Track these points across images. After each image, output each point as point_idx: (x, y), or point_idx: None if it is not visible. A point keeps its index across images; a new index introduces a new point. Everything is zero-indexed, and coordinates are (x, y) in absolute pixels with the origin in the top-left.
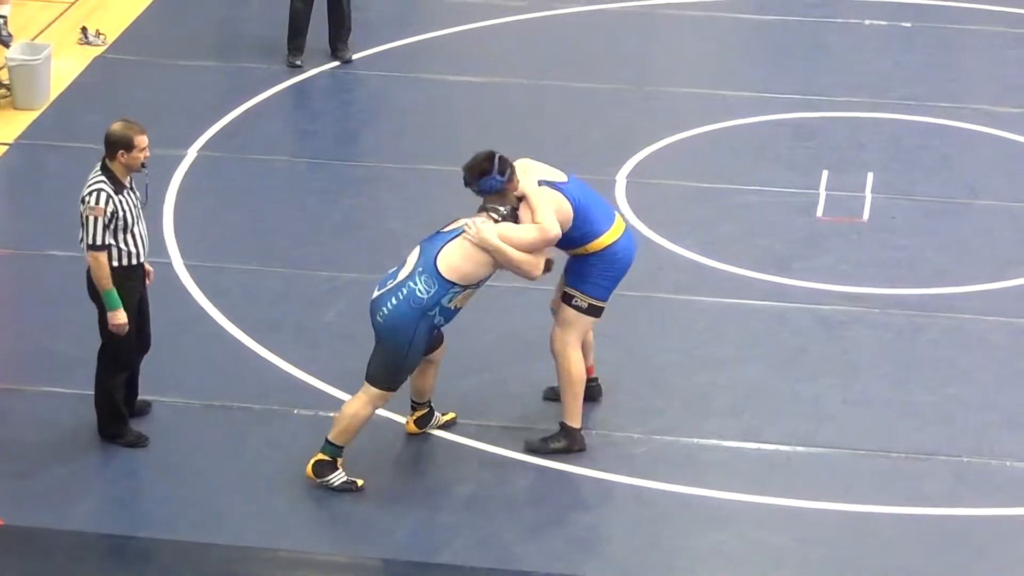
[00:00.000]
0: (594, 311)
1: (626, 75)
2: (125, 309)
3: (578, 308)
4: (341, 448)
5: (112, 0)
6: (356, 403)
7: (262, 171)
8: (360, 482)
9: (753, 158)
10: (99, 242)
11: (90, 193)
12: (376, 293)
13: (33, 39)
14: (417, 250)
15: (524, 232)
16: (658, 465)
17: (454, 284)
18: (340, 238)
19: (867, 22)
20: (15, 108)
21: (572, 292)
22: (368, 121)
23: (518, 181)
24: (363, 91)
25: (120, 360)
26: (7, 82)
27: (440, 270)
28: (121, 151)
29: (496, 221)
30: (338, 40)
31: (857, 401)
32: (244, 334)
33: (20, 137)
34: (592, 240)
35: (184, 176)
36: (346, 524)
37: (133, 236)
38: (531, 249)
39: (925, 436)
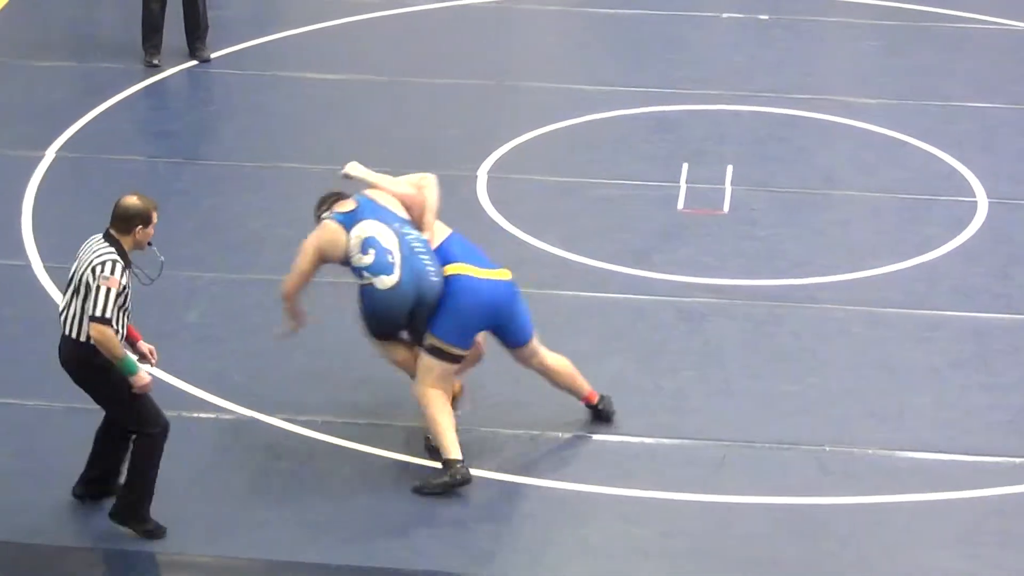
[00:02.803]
0: (437, 353)
1: (484, 71)
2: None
3: (423, 348)
4: None
5: None
6: None
7: (121, 172)
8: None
9: (613, 152)
10: (108, 315)
11: (104, 263)
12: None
13: None
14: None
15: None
16: (522, 460)
17: None
18: (201, 238)
19: (724, 15)
20: None
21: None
22: (227, 120)
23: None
24: (222, 90)
25: (154, 422)
26: None
27: None
28: (139, 226)
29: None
30: (195, 39)
31: (720, 392)
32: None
33: None
34: (446, 264)
35: (42, 178)
36: (219, 525)
37: (127, 318)
38: None
39: (788, 426)
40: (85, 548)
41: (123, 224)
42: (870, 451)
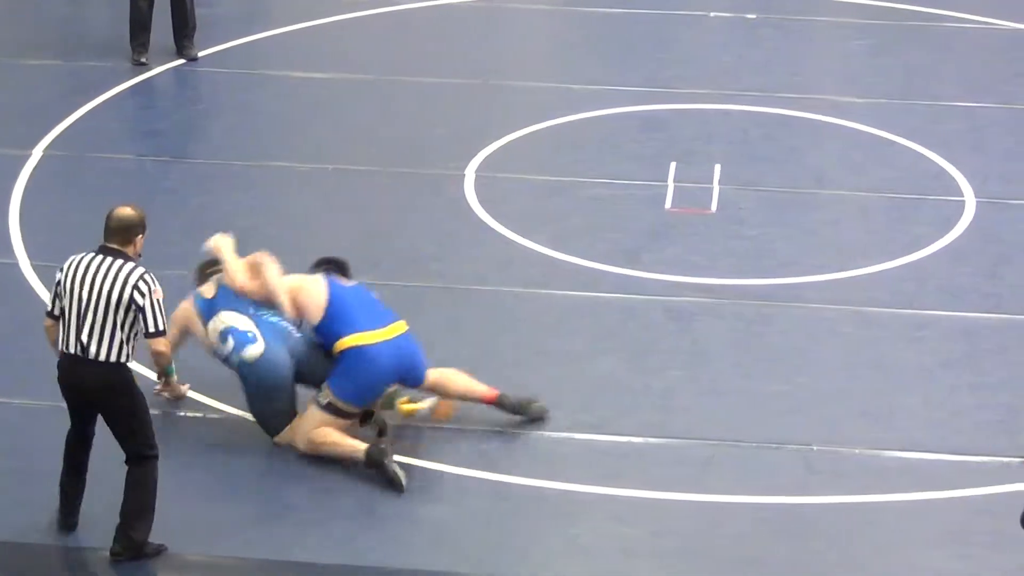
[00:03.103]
0: (334, 410)
1: (472, 70)
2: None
3: (318, 403)
4: None
5: None
6: None
7: (108, 170)
8: None
9: (601, 151)
10: (167, 326)
11: (143, 277)
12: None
13: None
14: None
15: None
16: (512, 459)
17: None
18: (189, 237)
19: (712, 14)
20: None
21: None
22: (214, 119)
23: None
24: (209, 89)
25: (154, 442)
26: None
27: None
28: (140, 234)
29: None
30: (183, 38)
31: (708, 392)
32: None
33: None
34: (339, 339)
35: (30, 176)
36: (195, 523)
37: None
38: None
39: (776, 426)
40: (72, 547)
41: (126, 235)
42: (858, 451)
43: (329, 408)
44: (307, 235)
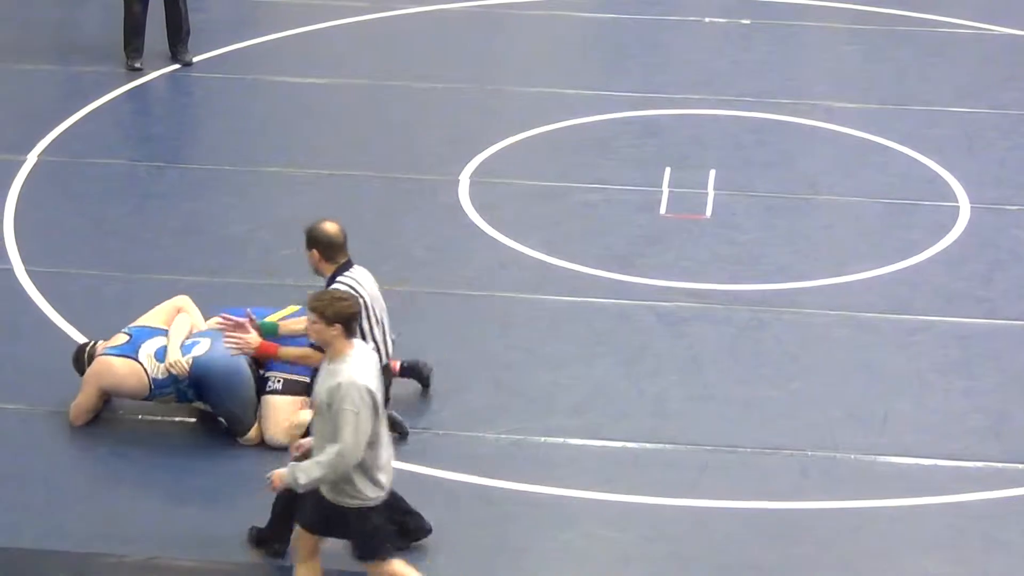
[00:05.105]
0: (291, 386)
1: (467, 75)
2: None
3: (274, 391)
4: None
5: None
6: None
7: (102, 175)
8: None
9: (595, 156)
10: None
11: None
12: None
13: None
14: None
15: None
16: (504, 464)
17: None
18: (181, 241)
19: (706, 20)
20: None
21: None
22: (209, 124)
23: None
24: (203, 94)
25: None
26: None
27: None
28: None
29: None
30: (177, 43)
31: (701, 397)
32: (87, 339)
33: None
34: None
35: (24, 182)
36: (197, 530)
37: None
38: None
39: (770, 431)
40: (63, 552)
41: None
42: (852, 456)
43: (287, 386)
44: (301, 241)
